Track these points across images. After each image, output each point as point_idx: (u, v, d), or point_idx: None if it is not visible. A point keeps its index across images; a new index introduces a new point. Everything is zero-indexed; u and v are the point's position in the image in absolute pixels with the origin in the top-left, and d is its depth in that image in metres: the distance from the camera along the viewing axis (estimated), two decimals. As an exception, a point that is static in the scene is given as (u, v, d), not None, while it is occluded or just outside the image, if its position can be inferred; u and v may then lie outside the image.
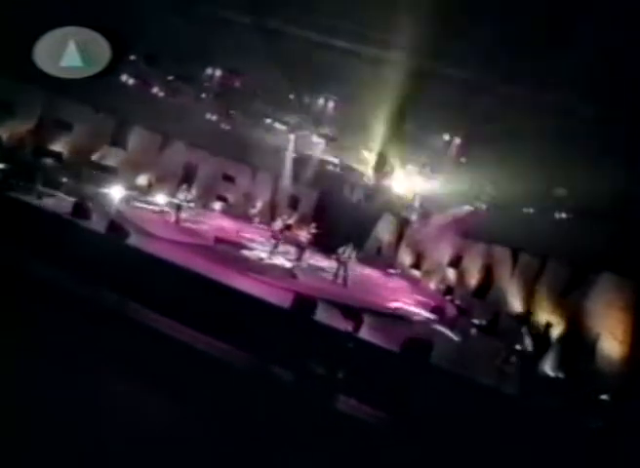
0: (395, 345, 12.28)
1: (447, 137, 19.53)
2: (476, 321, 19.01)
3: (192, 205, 20.96)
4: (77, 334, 11.06)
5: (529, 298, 18.31)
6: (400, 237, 24.57)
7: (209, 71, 20.89)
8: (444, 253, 22.82)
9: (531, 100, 17.53)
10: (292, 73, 18.93)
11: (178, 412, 10.15)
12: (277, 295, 13.87)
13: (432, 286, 22.71)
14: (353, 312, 14.18)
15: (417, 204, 23.83)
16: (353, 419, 11.47)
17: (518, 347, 15.44)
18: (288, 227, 20.44)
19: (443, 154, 20.09)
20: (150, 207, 20.27)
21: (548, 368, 14.31)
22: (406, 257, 24.35)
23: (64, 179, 18.78)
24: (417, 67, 18.62)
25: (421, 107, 19.35)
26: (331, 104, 20.47)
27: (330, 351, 12.01)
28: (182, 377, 10.95)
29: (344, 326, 12.69)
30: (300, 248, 19.47)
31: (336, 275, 18.32)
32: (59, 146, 20.95)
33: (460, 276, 21.99)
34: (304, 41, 18.51)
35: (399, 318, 16.21)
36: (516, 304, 18.85)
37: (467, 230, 21.94)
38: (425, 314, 17.57)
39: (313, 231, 19.69)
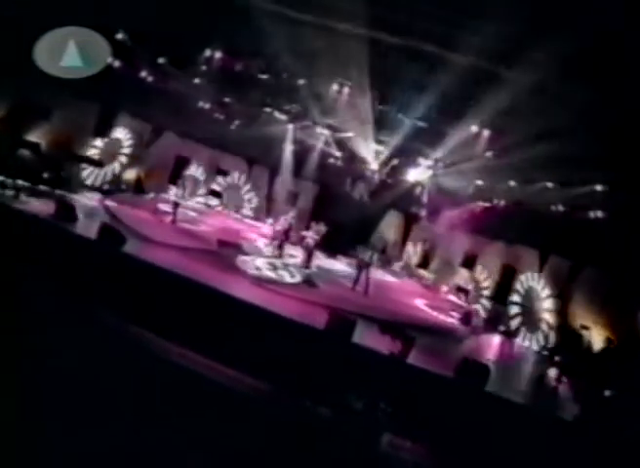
0: (449, 369, 10.20)
1: (474, 129, 17.37)
2: (502, 328, 17.09)
3: (190, 202, 18.39)
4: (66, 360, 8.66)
5: (562, 305, 16.38)
6: (407, 234, 22.35)
7: (207, 53, 18.25)
8: (455, 252, 20.75)
9: (562, 95, 15.58)
10: (304, 56, 16.49)
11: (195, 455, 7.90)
12: (302, 310, 11.66)
13: (444, 288, 20.64)
14: (393, 329, 11.97)
15: (425, 199, 21.73)
16: (400, 462, 9.38)
17: (562, 360, 13.55)
18: (291, 227, 18.06)
19: (466, 147, 17.96)
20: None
21: (600, 385, 12.39)
22: (413, 256, 22.24)
23: (44, 174, 16.04)
24: (436, 55, 16.49)
25: (444, 98, 17.23)
26: (346, 91, 18.05)
27: (373, 380, 9.82)
28: (197, 414, 8.65)
29: (390, 348, 10.49)
30: (309, 250, 17.14)
31: (355, 281, 16.08)
32: (36, 136, 18.09)
33: (476, 278, 19.97)
34: (317, 24, 16.12)
35: (442, 333, 14.12)
36: (546, 312, 16.92)
37: (482, 227, 19.89)
38: (460, 325, 15.54)
39: (322, 231, 17.37)
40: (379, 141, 20.97)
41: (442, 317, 16.16)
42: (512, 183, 18.26)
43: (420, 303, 17.08)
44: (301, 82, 18.20)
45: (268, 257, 16.63)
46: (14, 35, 11.25)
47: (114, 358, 9.17)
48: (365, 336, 10.83)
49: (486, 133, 17.48)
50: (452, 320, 16.06)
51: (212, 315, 10.64)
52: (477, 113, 17.12)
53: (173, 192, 17.65)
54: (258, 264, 15.21)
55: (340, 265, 19.37)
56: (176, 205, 17.44)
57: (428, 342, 12.09)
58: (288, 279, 14.75)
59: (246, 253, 16.27)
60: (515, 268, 18.60)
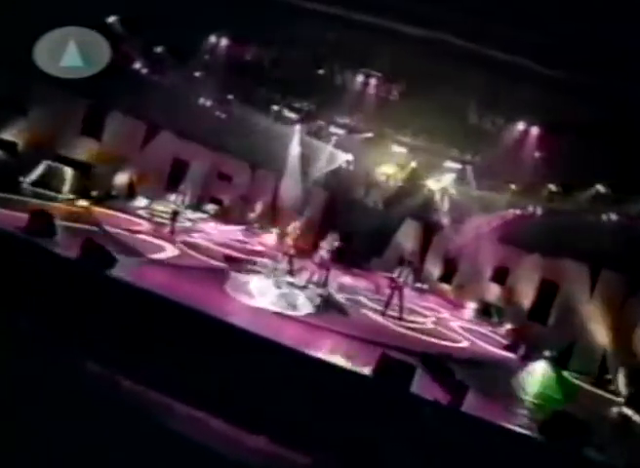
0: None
1: (521, 127, 14.90)
2: (548, 353, 14.62)
3: (190, 212, 15.75)
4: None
5: (616, 328, 13.94)
6: (427, 245, 19.79)
7: (211, 41, 15.66)
8: (484, 264, 18.27)
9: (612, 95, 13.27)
10: (324, 44, 13.98)
11: None
12: (331, 344, 9.10)
13: (472, 304, 18.16)
14: (437, 365, 9.45)
15: (447, 205, 19.31)
16: None
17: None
18: (299, 238, 15.41)
19: (497, 146, 15.52)
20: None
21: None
22: (434, 269, 19.70)
23: (20, 179, 13.33)
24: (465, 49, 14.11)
25: (475, 93, 14.79)
26: (372, 83, 15.52)
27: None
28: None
29: (440, 394, 7.94)
30: (325, 266, 14.52)
31: (387, 304, 13.50)
32: (11, 135, 15.35)
33: (508, 293, 17.51)
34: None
35: (491, 365, 11.61)
36: (599, 334, 14.47)
37: (514, 237, 17.47)
38: (507, 353, 13.05)
39: (337, 244, 14.77)
40: (397, 142, 18.50)
41: (486, 345, 13.64)
42: (553, 188, 15.83)
43: (457, 327, 14.56)
44: (321, 72, 15.58)
45: (278, 276, 14.00)
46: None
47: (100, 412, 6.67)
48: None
49: (519, 129, 14.98)
50: (496, 349, 13.54)
51: (214, 354, 8.03)
52: (514, 109, 14.69)
53: (172, 199, 14.93)
54: (265, 287, 12.53)
55: (359, 282, 16.79)
56: (174, 214, 14.79)
57: (479, 379, 9.63)
58: (304, 305, 12.05)
59: (253, 271, 13.65)
60: (557, 284, 16.13)
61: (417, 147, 18.03)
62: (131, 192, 17.22)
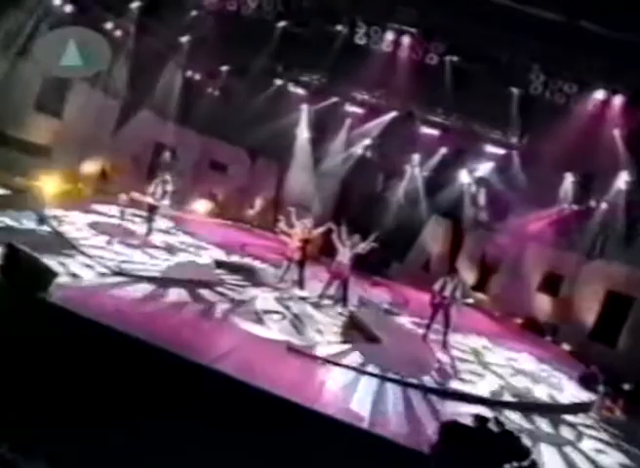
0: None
1: (600, 96, 11.74)
2: (627, 386, 11.48)
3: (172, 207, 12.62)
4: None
5: None
6: (457, 246, 16.53)
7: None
8: (530, 271, 15.19)
9: None
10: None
11: None
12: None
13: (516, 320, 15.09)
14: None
15: (483, 200, 16.21)
16: None
17: None
18: (307, 241, 12.13)
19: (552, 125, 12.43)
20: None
21: None
22: (467, 275, 16.45)
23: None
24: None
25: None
26: (406, 42, 12.37)
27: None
28: None
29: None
30: (341, 275, 11.34)
31: (428, 327, 10.35)
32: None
33: (563, 307, 14.41)
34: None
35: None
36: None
37: (570, 239, 14.41)
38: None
39: (360, 247, 11.56)
40: (427, 123, 15.37)
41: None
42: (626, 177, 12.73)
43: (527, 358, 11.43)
44: (337, 29, 12.43)
45: (285, 289, 10.97)
46: None
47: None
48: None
49: (595, 99, 11.80)
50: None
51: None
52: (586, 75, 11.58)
53: (155, 192, 11.76)
54: (271, 306, 9.48)
55: (382, 294, 13.71)
56: (152, 209, 11.64)
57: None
58: (322, 332, 8.98)
59: (255, 283, 10.65)
60: (631, 297, 13.04)
61: (451, 129, 14.88)
62: (102, 183, 14.06)
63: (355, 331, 9.74)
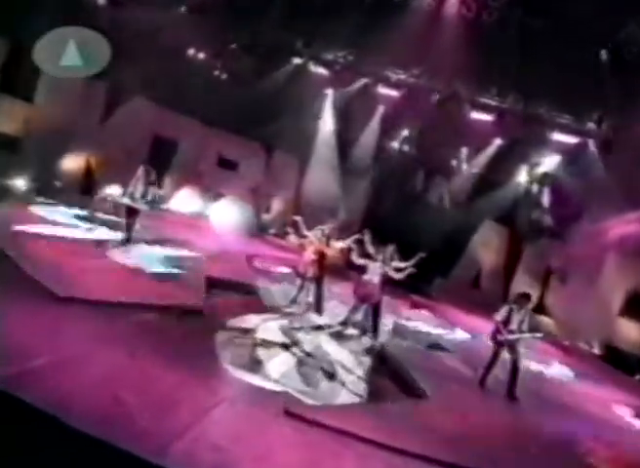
0: None
1: None
2: None
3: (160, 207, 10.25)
4: None
5: None
6: (515, 258, 13.59)
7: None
8: (609, 289, 12.31)
9: None
10: None
11: None
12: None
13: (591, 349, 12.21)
14: None
15: (547, 201, 13.55)
16: None
17: None
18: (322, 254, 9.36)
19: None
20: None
21: None
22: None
23: None
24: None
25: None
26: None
27: None
28: None
29: None
30: (370, 296, 8.63)
31: (488, 370, 7.50)
32: None
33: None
34: None
35: None
36: None
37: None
38: None
39: (396, 271, 8.79)
40: (478, 107, 12.74)
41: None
42: None
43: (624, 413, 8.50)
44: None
45: (294, 316, 8.41)
46: None
47: None
48: None
49: None
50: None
51: None
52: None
53: (129, 190, 9.35)
54: (273, 343, 6.93)
55: (423, 319, 11.01)
56: (130, 214, 9.24)
57: None
58: (345, 384, 6.39)
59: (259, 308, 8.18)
60: None
61: (508, 113, 12.23)
62: (87, 183, 11.86)
63: (387, 377, 7.10)
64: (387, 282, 8.79)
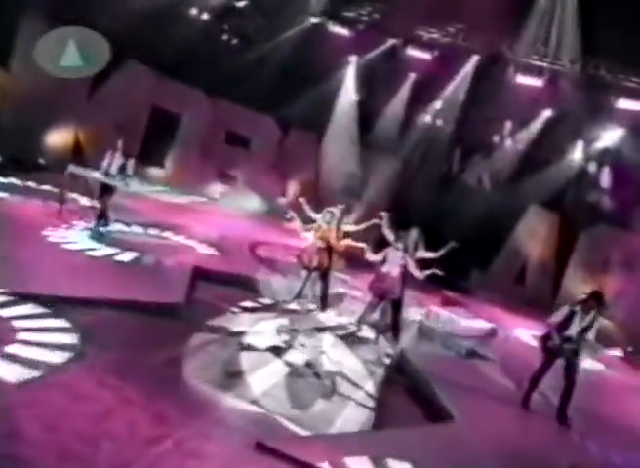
0: None
1: None
2: None
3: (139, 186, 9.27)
4: None
5: None
6: (567, 249, 12.77)
7: None
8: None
9: None
10: None
11: None
12: None
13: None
14: None
15: (605, 182, 12.26)
16: None
17: None
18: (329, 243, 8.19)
19: None
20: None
21: None
22: (580, 288, 12.31)
23: None
24: None
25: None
26: None
27: None
28: None
29: None
30: (389, 290, 7.41)
31: (533, 384, 6.18)
32: None
33: None
34: None
35: None
36: None
37: None
38: None
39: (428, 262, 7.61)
40: (524, 69, 11.47)
41: None
42: None
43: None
44: None
45: (295, 314, 7.36)
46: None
47: None
48: None
49: None
50: None
51: None
52: None
53: (103, 165, 8.44)
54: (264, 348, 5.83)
55: (457, 318, 9.79)
56: (104, 193, 8.25)
57: None
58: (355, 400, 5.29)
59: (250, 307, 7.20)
60: None
61: (560, 77, 10.92)
62: (75, 161, 10.98)
63: (404, 392, 5.96)
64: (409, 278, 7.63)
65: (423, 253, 7.42)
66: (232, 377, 5.04)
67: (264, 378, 5.25)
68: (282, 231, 13.16)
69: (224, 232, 10.58)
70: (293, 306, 7.78)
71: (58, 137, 11.67)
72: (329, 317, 7.76)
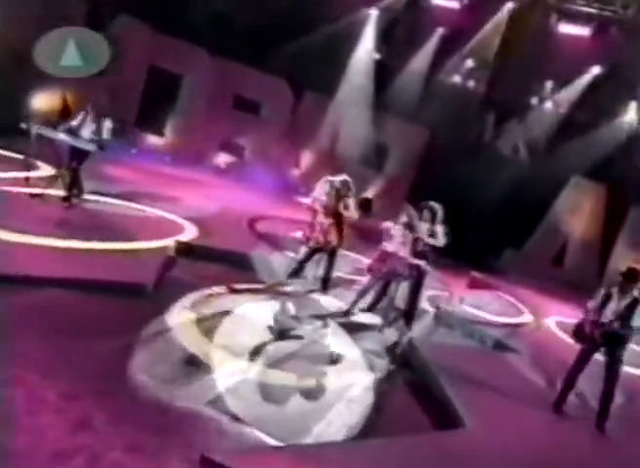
0: None
1: None
2: None
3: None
4: None
5: None
6: (615, 226, 11.97)
7: None
8: None
9: None
10: None
11: None
12: None
13: None
14: None
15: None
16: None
17: None
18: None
19: None
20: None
21: None
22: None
23: None
24: None
25: None
26: None
27: None
28: None
29: None
30: (403, 270, 6.56)
31: (568, 385, 5.29)
32: None
33: None
34: None
35: None
36: None
37: None
38: None
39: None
40: (568, 16, 10.43)
41: None
42: None
43: None
44: None
45: (291, 296, 6.61)
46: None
47: None
48: None
49: None
50: None
51: None
52: None
53: (74, 123, 7.78)
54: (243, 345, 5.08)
55: (484, 303, 8.94)
56: (75, 157, 7.53)
57: None
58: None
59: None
60: None
61: (611, 24, 9.88)
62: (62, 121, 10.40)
63: (408, 391, 5.15)
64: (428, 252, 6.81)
65: (436, 228, 6.58)
66: (190, 371, 4.31)
67: (232, 373, 4.50)
68: (292, 206, 12.41)
69: (223, 206, 9.86)
70: (289, 288, 7.05)
71: (44, 101, 11.09)
72: (330, 301, 6.99)
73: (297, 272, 7.23)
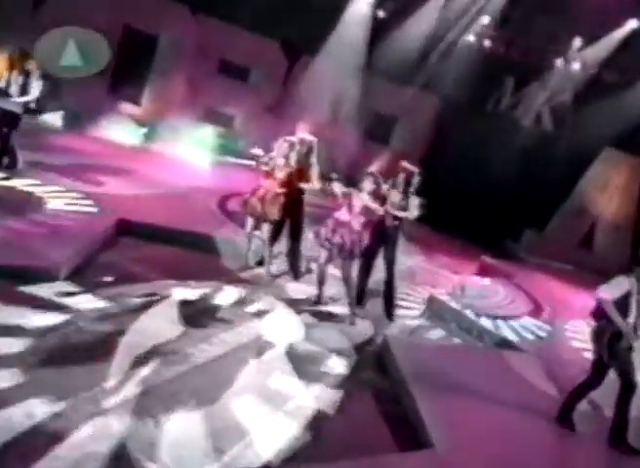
0: None
1: None
2: None
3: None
4: None
5: None
6: None
7: None
8: None
9: None
10: None
11: None
12: None
13: None
14: None
15: None
16: None
17: None
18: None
19: None
20: None
21: None
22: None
23: None
24: None
25: None
26: None
27: None
28: None
29: None
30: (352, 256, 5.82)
31: (581, 391, 4.49)
32: None
33: None
34: None
35: None
36: None
37: None
38: None
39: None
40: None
41: None
42: None
43: None
44: None
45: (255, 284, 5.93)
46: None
47: None
48: None
49: None
50: None
51: None
52: None
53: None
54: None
55: (495, 293, 8.19)
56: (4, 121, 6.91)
57: None
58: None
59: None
60: None
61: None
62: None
63: (379, 403, 4.38)
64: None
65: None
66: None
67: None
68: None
69: (192, 181, 9.19)
70: (249, 273, 6.31)
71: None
72: (297, 288, 6.23)
73: (263, 255, 6.51)
